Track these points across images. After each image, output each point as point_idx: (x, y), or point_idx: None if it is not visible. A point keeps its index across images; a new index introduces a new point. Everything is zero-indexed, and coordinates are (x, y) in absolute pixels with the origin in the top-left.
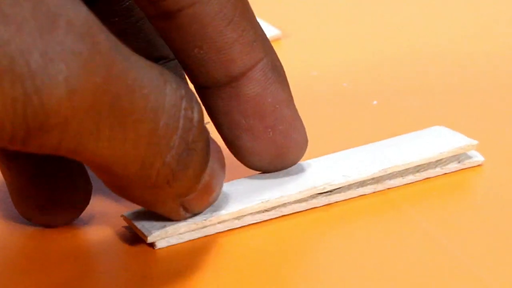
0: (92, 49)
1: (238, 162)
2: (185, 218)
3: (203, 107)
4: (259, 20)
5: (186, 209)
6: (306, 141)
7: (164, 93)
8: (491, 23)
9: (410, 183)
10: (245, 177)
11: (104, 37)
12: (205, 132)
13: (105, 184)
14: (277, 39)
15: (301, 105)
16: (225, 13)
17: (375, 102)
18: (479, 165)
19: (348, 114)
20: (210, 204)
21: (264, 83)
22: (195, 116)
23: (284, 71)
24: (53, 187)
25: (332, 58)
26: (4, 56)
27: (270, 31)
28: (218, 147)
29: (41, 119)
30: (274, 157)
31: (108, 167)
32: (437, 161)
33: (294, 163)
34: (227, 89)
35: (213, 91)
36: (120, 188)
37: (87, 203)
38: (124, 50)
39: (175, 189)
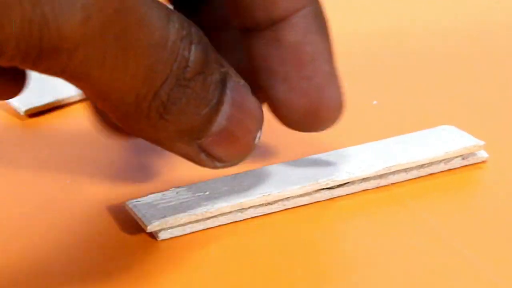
0: None
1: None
2: (214, 167)
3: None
4: None
5: (209, 155)
6: (341, 103)
7: (167, 32)
8: (492, 22)
9: (413, 178)
10: (249, 170)
11: None
12: (209, 75)
13: (108, 114)
14: None
15: None
16: None
17: (375, 102)
18: (483, 162)
19: (348, 114)
20: (240, 154)
21: (305, 31)
22: (192, 56)
23: (328, 24)
24: None
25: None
26: None
27: None
28: (247, 99)
29: (54, 42)
30: (307, 112)
31: (106, 95)
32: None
33: (326, 125)
34: (267, 33)
35: (253, 34)
36: (121, 119)
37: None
38: None
39: (172, 123)
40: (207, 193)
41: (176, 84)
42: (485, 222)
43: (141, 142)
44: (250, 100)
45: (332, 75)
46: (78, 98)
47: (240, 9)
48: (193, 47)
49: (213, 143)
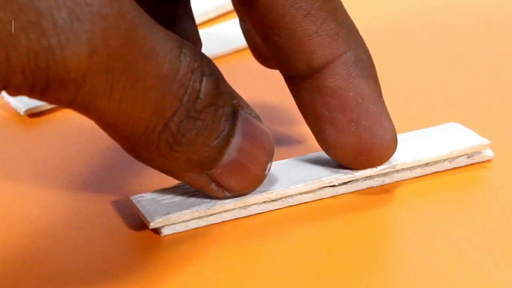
0: (118, 14)
1: None
2: (224, 197)
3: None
4: None
5: (219, 185)
6: (394, 140)
7: (177, 64)
8: (493, 22)
9: (418, 176)
10: None
11: (130, 4)
12: (220, 106)
13: (118, 143)
14: None
15: None
16: (301, 5)
17: None
18: (488, 160)
19: None
20: (251, 185)
21: (346, 76)
22: (203, 88)
23: (372, 66)
24: None
25: None
26: (32, 10)
27: None
28: (259, 131)
29: (61, 74)
30: (359, 153)
31: (116, 127)
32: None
33: (381, 161)
34: (309, 81)
35: (297, 82)
36: (131, 150)
37: None
38: (147, 20)
39: (182, 154)
40: None
41: (186, 116)
42: (490, 221)
43: None
44: (261, 132)
45: (380, 116)
46: None
47: (282, 59)
48: (204, 79)
49: (223, 174)
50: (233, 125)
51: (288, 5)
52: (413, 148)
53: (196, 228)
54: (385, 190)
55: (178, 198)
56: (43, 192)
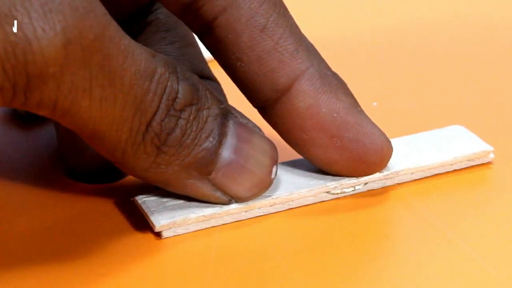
0: (89, 8)
1: None
2: (228, 203)
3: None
4: None
5: (225, 193)
6: (385, 141)
7: (154, 64)
8: (493, 22)
9: (419, 178)
10: None
11: (99, 2)
12: (204, 108)
13: (109, 159)
14: None
15: None
16: (257, 19)
17: (375, 104)
18: (489, 162)
19: None
20: (257, 189)
21: (314, 93)
22: (181, 89)
23: (339, 80)
24: None
25: (332, 58)
26: (4, 3)
27: None
28: (256, 136)
29: (39, 66)
30: (355, 162)
31: (101, 133)
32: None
33: (381, 165)
34: (279, 106)
35: (269, 112)
36: (123, 161)
37: None
38: (118, 27)
39: (173, 157)
40: None
41: (167, 114)
42: (489, 222)
43: None
44: (259, 136)
45: (360, 124)
46: None
47: (249, 88)
48: (181, 81)
49: (225, 178)
50: (223, 126)
51: (244, 21)
52: (417, 152)
53: (197, 230)
54: (385, 190)
55: (182, 200)
56: (43, 191)
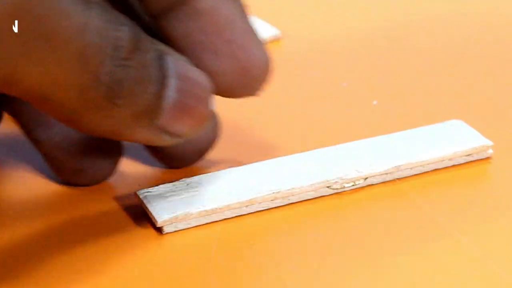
0: None
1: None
2: (172, 143)
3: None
4: (259, 20)
5: (171, 134)
6: (267, 59)
7: (89, 15)
8: (491, 20)
9: (418, 173)
10: (261, 161)
11: None
12: (146, 52)
13: (61, 121)
14: (277, 39)
15: (301, 105)
16: None
17: (375, 102)
18: (488, 157)
19: (348, 114)
20: (199, 124)
21: None
22: (123, 35)
23: None
24: (83, 154)
25: (332, 58)
26: None
27: (270, 31)
28: (190, 70)
29: None
30: (239, 75)
31: (51, 96)
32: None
33: (257, 84)
34: (181, 8)
35: (169, 16)
36: (75, 119)
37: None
38: None
39: (125, 108)
40: (218, 186)
41: (114, 65)
42: (491, 217)
43: None
44: (193, 71)
45: (251, 32)
46: None
47: None
48: (121, 27)
49: (171, 120)
50: (163, 68)
51: None
52: (416, 147)
53: (198, 225)
54: (385, 185)
55: (184, 195)
56: (42, 189)
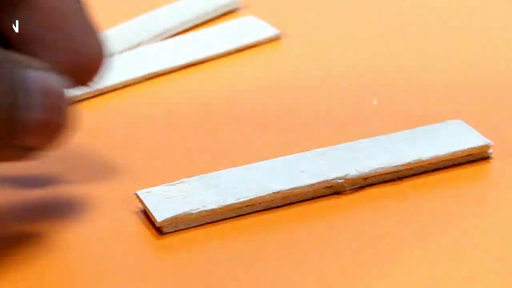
0: None
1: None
2: (31, 159)
3: None
4: (259, 19)
5: (27, 149)
6: (103, 50)
7: None
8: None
9: (418, 173)
10: (261, 161)
11: None
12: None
13: None
14: (277, 39)
15: (300, 105)
16: None
17: (375, 102)
18: (488, 156)
19: (348, 114)
20: (57, 134)
21: None
22: None
23: None
24: None
25: (332, 58)
26: None
27: (270, 31)
28: (41, 78)
29: None
30: (77, 68)
31: None
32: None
33: (95, 73)
34: (19, 4)
35: (6, 9)
36: None
37: None
38: None
39: None
40: (218, 186)
41: None
42: (491, 216)
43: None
44: (49, 79)
45: (88, 26)
46: (78, 97)
47: None
48: None
49: (31, 137)
50: (21, 83)
51: None
52: (417, 147)
53: (198, 225)
54: (385, 185)
55: (185, 195)
56: (44, 190)
